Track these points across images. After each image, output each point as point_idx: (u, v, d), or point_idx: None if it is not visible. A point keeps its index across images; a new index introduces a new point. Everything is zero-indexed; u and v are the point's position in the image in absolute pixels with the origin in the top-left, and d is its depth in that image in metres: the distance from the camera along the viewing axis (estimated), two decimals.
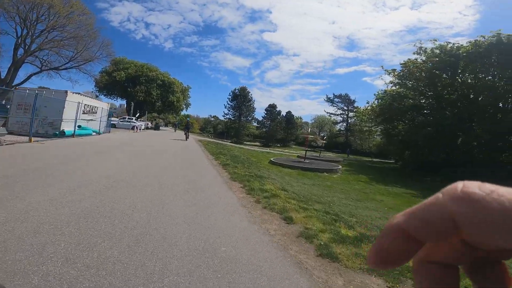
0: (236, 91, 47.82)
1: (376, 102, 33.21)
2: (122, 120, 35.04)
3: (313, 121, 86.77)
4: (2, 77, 30.37)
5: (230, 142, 43.28)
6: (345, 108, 71.64)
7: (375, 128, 39.68)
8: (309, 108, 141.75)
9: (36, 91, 13.39)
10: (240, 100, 46.80)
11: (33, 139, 9.82)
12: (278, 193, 5.87)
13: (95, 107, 16.93)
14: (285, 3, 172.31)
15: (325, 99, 72.96)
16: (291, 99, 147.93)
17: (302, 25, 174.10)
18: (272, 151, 32.04)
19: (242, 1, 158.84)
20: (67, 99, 13.12)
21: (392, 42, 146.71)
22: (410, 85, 27.09)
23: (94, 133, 16.00)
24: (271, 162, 16.85)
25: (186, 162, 9.12)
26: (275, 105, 52.38)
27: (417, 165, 25.16)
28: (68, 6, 29.59)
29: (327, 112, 74.47)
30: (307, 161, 18.35)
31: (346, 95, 71.11)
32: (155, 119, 62.72)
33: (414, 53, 26.43)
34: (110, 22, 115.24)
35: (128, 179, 5.36)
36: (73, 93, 13.86)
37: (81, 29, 32.55)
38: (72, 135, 12.96)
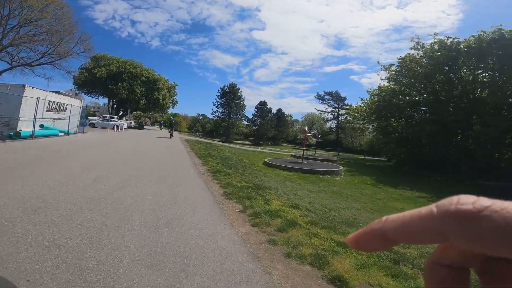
0: (226, 88, 45.75)
1: (370, 98, 32.38)
2: (102, 119, 32.44)
3: (303, 119, 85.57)
4: None
5: (219, 141, 41.33)
6: (336, 105, 70.81)
7: (367, 125, 38.53)
8: (298, 106, 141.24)
9: None
10: (230, 97, 44.79)
11: None
12: (292, 216, 4.19)
13: (64, 104, 14.71)
14: (274, 1, 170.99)
15: (316, 96, 71.99)
16: (280, 97, 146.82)
17: (290, 23, 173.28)
18: (264, 150, 30.41)
19: None
20: (25, 95, 10.98)
21: (378, 40, 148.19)
22: (405, 82, 25.99)
23: (62, 134, 13.82)
24: (266, 164, 15.19)
25: (163, 170, 7.26)
26: (266, 102, 50.75)
27: (413, 163, 24.31)
28: (43, 0, 26.86)
29: (318, 110, 73.44)
30: (304, 161, 16.79)
31: (337, 92, 70.26)
32: (140, 118, 59.86)
33: (411, 48, 25.30)
34: (94, 20, 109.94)
35: (52, 210, 3.49)
36: (32, 88, 11.67)
37: (56, 23, 29.84)
38: (31, 137, 10.82)
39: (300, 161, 16.58)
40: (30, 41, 29.22)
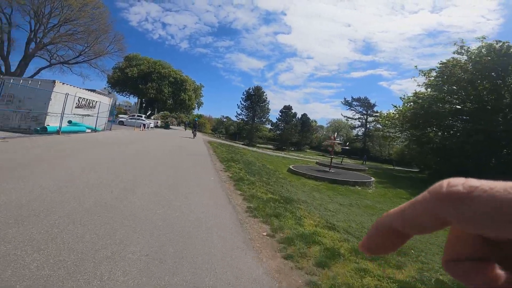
0: (251, 90, 45.39)
1: (403, 106, 30.45)
2: (131, 117, 33.32)
3: (328, 125, 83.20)
4: (12, 71, 29.36)
5: (242, 144, 40.95)
6: (364, 112, 67.93)
7: (399, 134, 36.11)
8: (322, 111, 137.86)
9: (21, 80, 11.47)
10: (254, 100, 44.32)
11: None
12: (330, 241, 3.36)
13: (93, 101, 14.89)
14: (300, 5, 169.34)
15: (343, 102, 69.55)
16: (304, 102, 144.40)
17: (316, 27, 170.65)
18: (288, 156, 29.43)
19: (257, 2, 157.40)
20: (54, 90, 11.07)
21: (410, 46, 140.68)
22: (447, 88, 23.83)
23: (89, 130, 13.94)
24: (291, 171, 14.30)
25: (181, 175, 6.68)
26: (291, 106, 49.64)
27: (450, 174, 22.26)
28: None
29: (344, 116, 70.89)
30: (332, 170, 15.66)
31: (366, 98, 67.41)
32: (166, 118, 61.29)
33: (454, 53, 23.18)
34: (129, 22, 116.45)
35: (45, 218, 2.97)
36: (62, 83, 11.80)
37: (93, 22, 31.28)
38: (57, 132, 10.86)
39: (327, 170, 15.48)
40: (68, 40, 30.81)
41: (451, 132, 23.29)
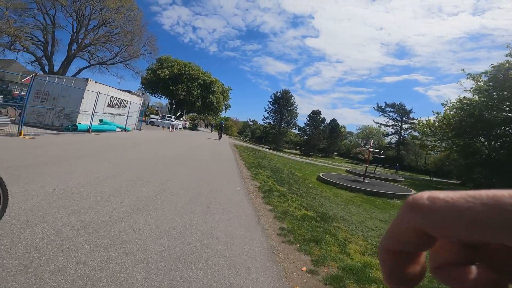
0: (278, 94, 44.62)
1: (446, 112, 27.99)
2: (161, 118, 34.14)
3: (358, 131, 79.73)
4: (55, 71, 31.47)
5: (268, 148, 40.24)
6: (399, 119, 64.01)
7: (439, 143, 33.28)
8: (351, 117, 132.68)
9: (56, 78, 11.78)
10: (282, 104, 43.47)
11: (23, 132, 7.75)
12: None
13: (125, 100, 15.08)
14: (328, 9, 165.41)
15: (375, 108, 66.13)
16: (332, 107, 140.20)
17: (346, 31, 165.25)
18: (315, 163, 28.16)
19: (284, 6, 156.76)
20: (87, 89, 11.21)
21: (450, 49, 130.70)
22: (496, 95, 21.30)
23: (119, 130, 14.07)
24: (321, 179, 13.29)
25: (204, 184, 6.10)
26: (319, 111, 48.07)
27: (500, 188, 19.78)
28: (117, 0, 29.56)
29: (377, 123, 67.30)
30: (366, 180, 14.35)
31: (401, 104, 63.47)
32: (194, 119, 62.48)
33: (506, 55, 20.62)
34: (162, 26, 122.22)
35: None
36: (95, 82, 11.95)
37: (128, 24, 32.64)
38: (88, 130, 10.94)
39: (361, 179, 14.22)
40: (106, 41, 32.43)
41: (502, 142, 20.68)
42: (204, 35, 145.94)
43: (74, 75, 31.99)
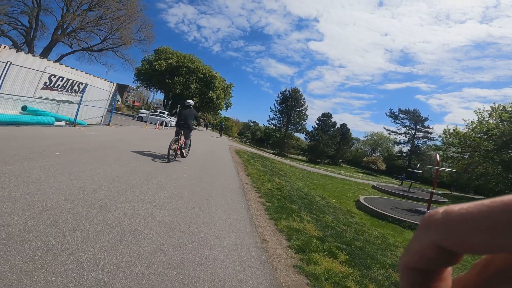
0: (287, 93, 39.91)
1: (480, 123, 24.06)
2: (152, 113, 29.44)
3: (366, 137, 74.91)
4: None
5: (272, 154, 35.58)
6: (413, 126, 59.43)
7: (466, 155, 29.20)
8: (351, 122, 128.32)
9: None
10: (290, 104, 38.77)
11: None
12: None
13: (78, 83, 10.42)
14: (334, 13, 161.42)
15: (388, 114, 61.61)
16: (333, 112, 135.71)
17: (350, 36, 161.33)
18: (328, 173, 23.48)
19: (290, 8, 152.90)
20: None
21: (454, 57, 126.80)
22: None
23: (64, 123, 9.42)
24: (365, 209, 8.69)
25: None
26: (330, 114, 43.33)
27: None
28: None
29: (387, 130, 62.66)
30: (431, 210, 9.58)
31: (416, 111, 58.90)
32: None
33: None
34: (167, 23, 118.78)
35: None
36: (18, 51, 7.34)
37: (122, 7, 28.03)
38: None
39: (421, 209, 9.52)
40: (96, 25, 27.83)
41: None
42: (208, 34, 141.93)
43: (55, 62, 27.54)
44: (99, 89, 11.82)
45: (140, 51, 36.04)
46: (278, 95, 41.48)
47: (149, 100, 33.94)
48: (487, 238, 0.17)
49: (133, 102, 73.87)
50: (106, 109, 13.14)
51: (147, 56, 41.54)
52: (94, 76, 11.57)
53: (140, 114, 29.90)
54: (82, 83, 10.50)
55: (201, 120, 40.28)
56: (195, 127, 8.52)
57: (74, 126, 9.84)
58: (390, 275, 3.06)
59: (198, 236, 3.09)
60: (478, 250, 0.18)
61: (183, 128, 7.31)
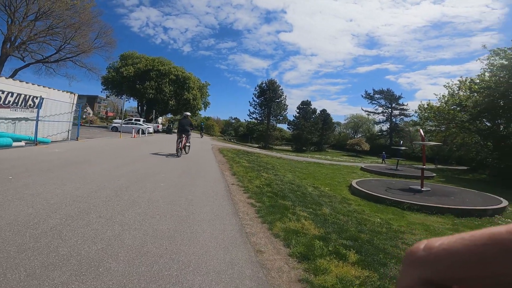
0: (264, 85, 39.39)
1: (452, 96, 25.19)
2: (126, 122, 27.98)
3: (347, 121, 76.01)
4: None
5: (258, 147, 35.12)
6: (388, 105, 60.86)
7: (443, 127, 30.26)
8: (330, 108, 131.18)
9: None
10: (269, 95, 38.29)
11: None
12: None
13: (31, 97, 9.34)
14: (299, 3, 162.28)
15: (364, 96, 62.66)
16: (311, 99, 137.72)
17: (318, 24, 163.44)
18: (315, 160, 23.37)
19: (256, 2, 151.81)
20: None
21: (415, 38, 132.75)
22: None
23: (27, 142, 8.41)
24: (360, 194, 8.42)
25: None
26: (309, 102, 43.35)
27: None
28: None
29: (366, 111, 63.87)
30: (426, 188, 9.45)
31: (389, 90, 60.41)
32: (172, 121, 55.96)
33: None
34: (130, 28, 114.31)
35: None
36: None
37: (74, 15, 26.05)
38: None
39: (418, 188, 9.38)
40: (47, 34, 25.75)
41: None
42: (176, 35, 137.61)
43: (9, 78, 25.27)
44: (59, 101, 10.71)
45: (103, 58, 33.97)
46: (255, 88, 40.99)
47: (123, 109, 32.29)
48: (473, 271, 0.18)
49: (106, 112, 70.78)
50: (72, 123, 12.04)
51: (112, 63, 39.49)
52: (50, 88, 10.45)
53: (113, 124, 28.38)
54: (37, 97, 9.41)
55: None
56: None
57: (36, 145, 8.80)
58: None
59: (178, 259, 2.51)
60: (470, 282, 0.18)
61: (184, 132, 9.92)
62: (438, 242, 0.20)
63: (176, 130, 11.37)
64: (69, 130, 11.83)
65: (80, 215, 3.34)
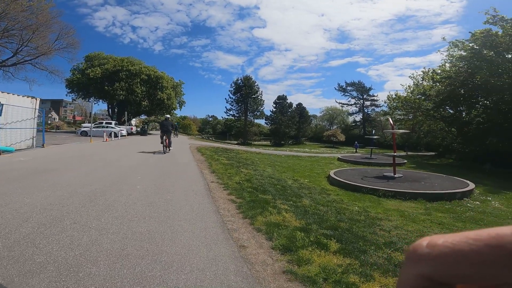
0: (239, 81, 39.23)
1: (416, 86, 26.70)
2: (97, 125, 26.65)
3: (322, 113, 77.87)
4: None
5: (236, 144, 35.04)
6: (360, 97, 63.25)
7: (411, 116, 31.85)
8: (305, 101, 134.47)
9: None
10: (245, 92, 38.22)
11: None
12: None
13: None
14: None
15: (337, 89, 64.61)
16: (287, 94, 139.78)
17: (291, 19, 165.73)
18: (293, 153, 23.80)
19: None
20: None
21: (382, 31, 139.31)
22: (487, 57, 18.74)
23: None
24: (338, 184, 8.71)
25: None
26: (286, 96, 43.92)
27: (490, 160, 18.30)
28: None
29: (339, 103, 65.93)
30: (398, 175, 9.97)
31: (360, 82, 62.80)
32: (147, 123, 54.10)
33: (484, 23, 17.91)
34: (95, 28, 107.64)
35: None
36: None
37: (31, 16, 24.18)
38: None
39: (391, 174, 9.88)
40: (2, 37, 23.73)
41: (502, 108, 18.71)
42: (146, 34, 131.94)
43: None
44: (20, 107, 9.97)
45: (66, 60, 32.00)
46: (231, 85, 40.63)
47: (92, 112, 30.53)
48: (476, 270, 0.18)
49: (74, 117, 66.93)
50: (36, 129, 11.28)
51: (77, 64, 37.38)
52: (9, 93, 9.69)
53: (83, 129, 26.99)
54: None
55: (157, 124, 37.79)
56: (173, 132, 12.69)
57: (7, 153, 8.15)
58: (389, 256, 2.76)
59: (160, 259, 2.47)
60: (471, 281, 0.18)
61: (167, 133, 11.64)
62: (441, 239, 0.20)
63: (159, 131, 12.67)
64: (33, 137, 11.07)
65: (53, 222, 3.17)
